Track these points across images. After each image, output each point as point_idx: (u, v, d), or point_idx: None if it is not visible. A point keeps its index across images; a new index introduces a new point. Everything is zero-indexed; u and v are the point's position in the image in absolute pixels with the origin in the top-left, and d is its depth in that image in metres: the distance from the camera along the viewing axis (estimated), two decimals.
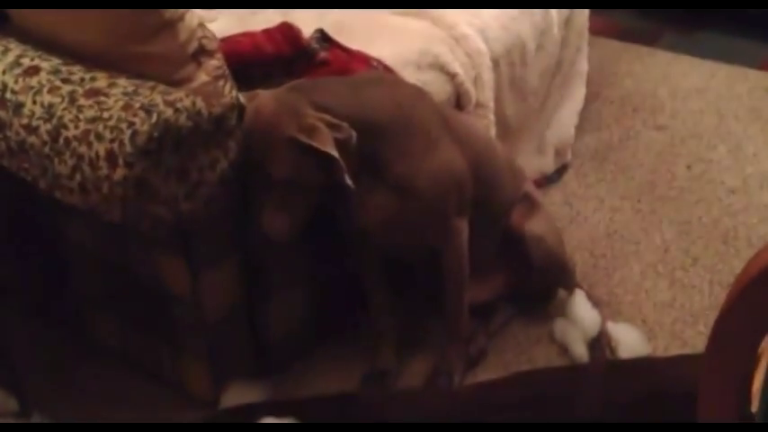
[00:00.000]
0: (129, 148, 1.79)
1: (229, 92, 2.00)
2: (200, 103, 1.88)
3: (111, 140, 1.80)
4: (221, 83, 2.01)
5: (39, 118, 1.89)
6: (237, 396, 2.19)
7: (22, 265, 2.43)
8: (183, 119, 1.84)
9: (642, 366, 2.04)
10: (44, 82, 1.94)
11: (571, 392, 1.93)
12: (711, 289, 2.62)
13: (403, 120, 2.09)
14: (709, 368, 1.27)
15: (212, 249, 2.06)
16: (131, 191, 1.80)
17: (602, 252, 2.76)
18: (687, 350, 2.40)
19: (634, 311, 2.54)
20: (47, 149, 1.88)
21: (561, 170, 3.13)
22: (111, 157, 1.80)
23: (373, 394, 2.10)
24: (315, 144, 1.90)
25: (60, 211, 2.13)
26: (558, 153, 3.11)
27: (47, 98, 1.91)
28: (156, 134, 1.80)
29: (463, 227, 2.21)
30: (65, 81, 1.93)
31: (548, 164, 3.09)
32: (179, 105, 1.85)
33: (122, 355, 2.34)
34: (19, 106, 1.92)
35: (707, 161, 3.16)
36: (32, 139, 1.90)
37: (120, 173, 1.79)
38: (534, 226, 2.40)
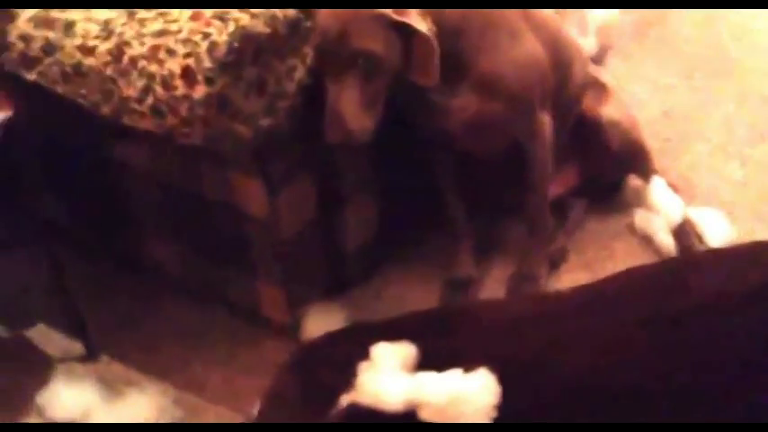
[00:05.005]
0: (207, 63, 1.61)
1: None
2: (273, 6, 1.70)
3: (186, 55, 1.62)
4: None
5: (95, 37, 1.70)
6: (318, 317, 2.06)
7: (76, 202, 2.23)
8: (260, 25, 1.66)
9: (755, 252, 1.91)
10: None
11: (681, 283, 1.79)
12: None
13: (482, 15, 1.92)
14: None
15: (289, 165, 1.90)
16: (214, 110, 1.63)
17: (665, 135, 2.63)
18: None
19: (710, 194, 2.43)
20: (109, 71, 1.69)
21: (603, 51, 2.97)
22: (188, 74, 1.62)
23: (467, 304, 1.97)
24: (408, 22, 1.75)
25: (114, 139, 1.95)
26: (600, 33, 2.95)
27: (100, 14, 1.71)
28: (236, 44, 1.62)
29: (547, 119, 2.08)
30: None
31: (590, 45, 2.92)
32: (254, 10, 1.66)
33: (188, 286, 2.18)
34: (70, 25, 1.73)
35: (753, 30, 3.01)
36: (90, 60, 1.71)
37: (200, 91, 1.62)
38: (610, 111, 2.26)
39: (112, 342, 2.13)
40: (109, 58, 1.68)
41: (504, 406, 1.53)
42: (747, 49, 2.92)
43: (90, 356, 2.11)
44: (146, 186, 2.03)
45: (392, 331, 1.71)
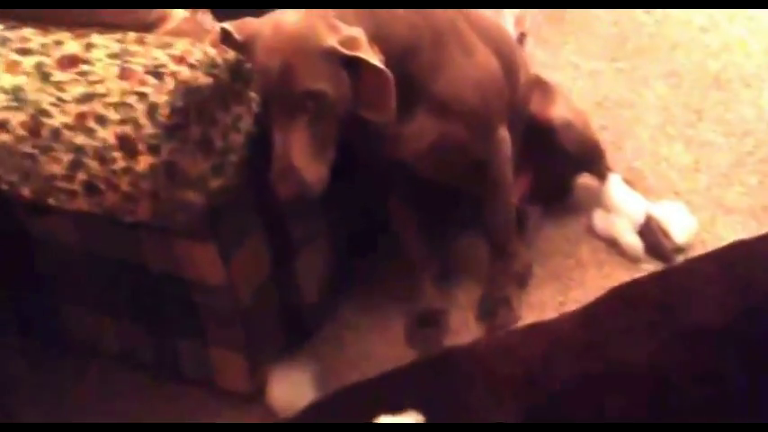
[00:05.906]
0: (150, 129, 1.37)
1: (212, 26, 1.60)
2: (211, 52, 1.47)
3: (122, 122, 1.38)
4: (201, 15, 1.60)
5: (4, 108, 1.43)
6: (283, 379, 1.86)
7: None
8: (201, 76, 1.43)
9: (744, 251, 1.79)
10: None
11: (685, 296, 1.65)
12: (728, 142, 2.42)
13: (431, 30, 1.74)
14: None
15: (240, 225, 1.68)
16: (162, 181, 1.40)
17: (602, 123, 2.50)
18: (735, 216, 2.21)
19: (663, 185, 2.32)
20: (26, 147, 1.43)
21: (522, 39, 2.83)
22: (126, 144, 1.38)
23: (461, 350, 1.78)
24: (362, 56, 1.55)
25: (34, 215, 1.69)
26: (517, 22, 2.80)
27: (7, 80, 1.44)
28: (179, 104, 1.38)
29: (506, 134, 1.91)
30: (23, 52, 1.47)
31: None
32: (192, 60, 1.43)
33: (133, 363, 1.93)
34: None
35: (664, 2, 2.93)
36: (1, 136, 1.44)
37: (144, 161, 1.38)
38: (560, 111, 2.11)
39: None
40: (24, 131, 1.42)
41: None
42: (661, 23, 2.83)
43: None
44: (75, 262, 1.77)
45: (389, 398, 1.52)
